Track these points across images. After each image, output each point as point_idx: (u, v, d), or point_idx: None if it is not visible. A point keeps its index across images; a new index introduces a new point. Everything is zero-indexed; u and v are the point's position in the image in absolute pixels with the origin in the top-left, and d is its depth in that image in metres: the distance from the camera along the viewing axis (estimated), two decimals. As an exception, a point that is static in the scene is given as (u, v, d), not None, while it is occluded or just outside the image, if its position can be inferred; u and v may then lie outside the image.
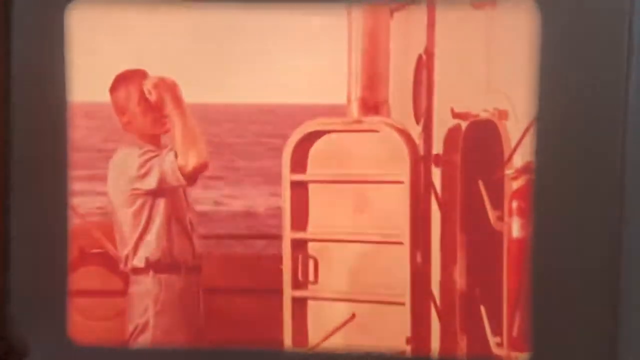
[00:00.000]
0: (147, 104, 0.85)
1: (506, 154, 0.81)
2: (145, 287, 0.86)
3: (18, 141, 0.83)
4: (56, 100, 0.83)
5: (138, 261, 0.86)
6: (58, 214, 0.84)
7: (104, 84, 0.84)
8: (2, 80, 0.83)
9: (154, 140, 0.86)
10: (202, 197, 0.86)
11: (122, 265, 0.86)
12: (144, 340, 0.85)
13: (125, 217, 0.86)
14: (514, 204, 0.80)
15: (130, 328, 0.86)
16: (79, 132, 0.83)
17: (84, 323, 0.85)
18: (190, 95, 0.84)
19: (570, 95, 0.79)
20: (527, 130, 0.79)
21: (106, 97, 0.84)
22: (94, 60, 0.83)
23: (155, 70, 0.83)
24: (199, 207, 0.86)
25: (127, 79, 0.84)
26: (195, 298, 0.86)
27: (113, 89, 0.84)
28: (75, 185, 0.84)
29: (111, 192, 0.85)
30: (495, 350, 0.82)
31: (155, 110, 0.85)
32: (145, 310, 0.86)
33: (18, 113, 0.83)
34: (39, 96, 0.83)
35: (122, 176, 0.86)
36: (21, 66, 0.83)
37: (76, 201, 0.84)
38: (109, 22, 0.83)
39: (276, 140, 0.85)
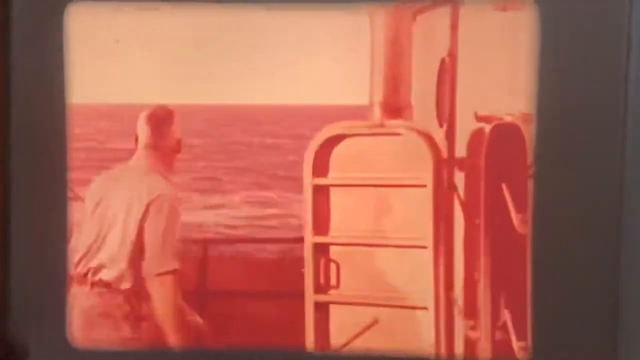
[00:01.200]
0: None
1: (530, 158, 0.80)
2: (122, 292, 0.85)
3: (17, 142, 0.83)
4: (56, 101, 0.82)
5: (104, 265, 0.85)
6: (58, 215, 0.84)
7: (103, 84, 0.83)
8: (2, 81, 0.83)
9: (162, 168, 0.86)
10: (221, 200, 0.85)
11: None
12: (143, 342, 0.85)
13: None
14: (538, 208, 0.80)
15: (127, 330, 0.85)
16: (79, 133, 0.83)
17: (84, 325, 0.85)
18: (207, 96, 0.83)
19: (570, 95, 0.79)
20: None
21: (106, 98, 0.84)
22: (93, 60, 0.83)
23: (157, 71, 0.83)
24: (218, 210, 0.85)
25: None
26: (191, 299, 0.85)
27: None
28: (78, 187, 0.84)
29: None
30: (520, 354, 0.81)
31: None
32: (138, 312, 0.86)
33: (17, 114, 0.83)
34: (39, 97, 0.83)
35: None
36: (20, 67, 0.83)
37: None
38: (109, 23, 0.83)
39: (297, 142, 0.84)
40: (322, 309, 0.85)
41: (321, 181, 0.84)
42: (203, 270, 0.86)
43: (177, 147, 0.84)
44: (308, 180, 0.84)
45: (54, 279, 0.84)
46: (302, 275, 0.85)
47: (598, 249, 0.80)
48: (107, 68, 0.83)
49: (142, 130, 0.84)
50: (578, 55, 0.79)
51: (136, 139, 0.85)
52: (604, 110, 0.79)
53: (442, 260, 0.82)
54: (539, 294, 0.80)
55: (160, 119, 0.84)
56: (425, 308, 0.83)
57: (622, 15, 0.78)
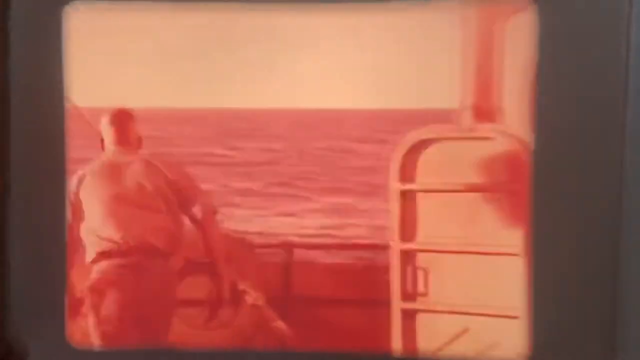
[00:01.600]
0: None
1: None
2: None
3: (17, 142, 0.83)
4: (54, 102, 0.82)
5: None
6: (57, 216, 0.83)
7: (102, 85, 0.82)
8: (1, 81, 0.82)
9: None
10: (305, 206, 0.83)
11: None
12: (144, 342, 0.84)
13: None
14: (632, 214, 0.78)
15: (128, 329, 0.85)
16: (78, 134, 0.82)
17: (83, 325, 0.84)
18: (278, 100, 0.82)
19: (569, 96, 0.78)
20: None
21: (104, 100, 0.82)
22: (92, 61, 0.82)
23: (158, 72, 0.82)
24: (302, 216, 0.84)
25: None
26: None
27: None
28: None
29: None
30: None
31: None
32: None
33: (16, 114, 0.83)
34: (38, 97, 0.82)
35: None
36: (19, 67, 0.82)
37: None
38: (108, 23, 0.81)
39: (383, 147, 0.82)
40: (409, 316, 0.83)
41: (408, 187, 0.82)
42: (285, 276, 0.84)
43: (139, 144, 0.84)
44: (395, 186, 0.82)
45: (54, 278, 0.84)
46: (388, 282, 0.83)
47: (598, 249, 0.79)
48: (106, 69, 0.82)
49: (107, 132, 0.84)
50: (577, 56, 0.78)
51: (102, 141, 0.84)
52: (603, 111, 0.78)
53: (534, 268, 0.81)
54: (538, 294, 0.80)
55: (122, 119, 0.84)
56: (516, 317, 0.81)
57: (622, 15, 0.77)
